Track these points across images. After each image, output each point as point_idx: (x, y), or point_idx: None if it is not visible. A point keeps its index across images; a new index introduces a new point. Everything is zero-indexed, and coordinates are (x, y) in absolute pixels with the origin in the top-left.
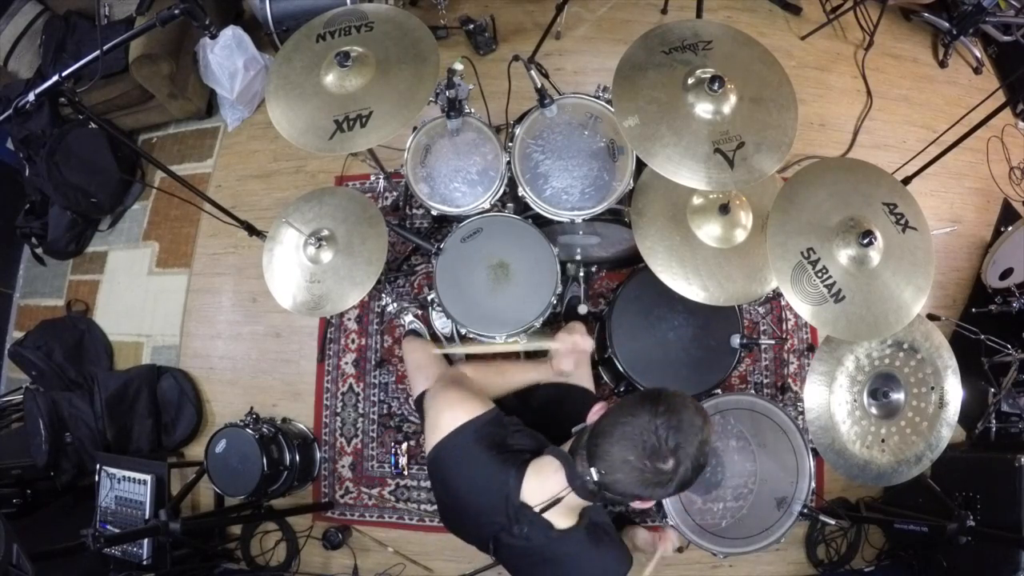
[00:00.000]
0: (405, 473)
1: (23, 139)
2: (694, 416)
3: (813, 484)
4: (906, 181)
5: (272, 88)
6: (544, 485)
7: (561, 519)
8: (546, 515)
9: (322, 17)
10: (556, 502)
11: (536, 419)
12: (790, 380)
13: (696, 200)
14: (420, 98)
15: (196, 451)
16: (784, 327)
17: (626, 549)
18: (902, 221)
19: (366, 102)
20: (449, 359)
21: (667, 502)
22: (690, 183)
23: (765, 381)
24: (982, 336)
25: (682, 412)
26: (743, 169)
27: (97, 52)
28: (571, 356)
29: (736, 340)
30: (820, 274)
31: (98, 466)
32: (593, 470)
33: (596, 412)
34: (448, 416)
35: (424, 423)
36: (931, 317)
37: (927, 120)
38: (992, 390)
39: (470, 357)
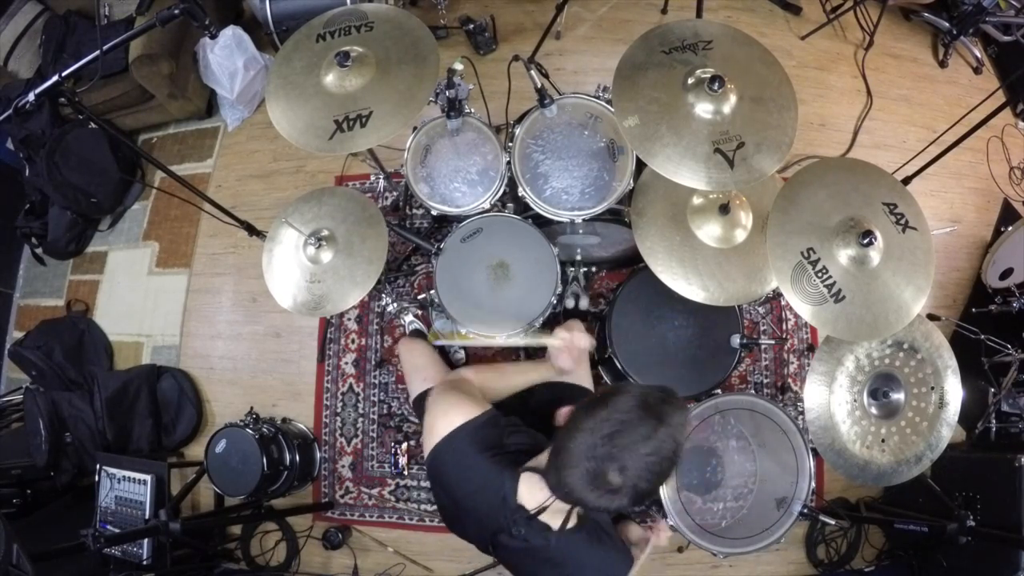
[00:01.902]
0: (405, 473)
1: (23, 139)
2: (639, 425)
3: (813, 484)
4: (906, 181)
5: (272, 88)
6: (535, 494)
7: (559, 521)
8: (543, 517)
9: (322, 17)
10: (548, 507)
11: (535, 420)
12: (790, 380)
13: (696, 200)
14: (420, 98)
15: (196, 451)
16: (784, 327)
17: (626, 549)
18: (902, 221)
19: (366, 102)
20: (449, 360)
21: (667, 501)
22: (690, 183)
23: (765, 381)
24: (982, 336)
25: (626, 426)
26: (743, 169)
27: (97, 52)
28: (569, 353)
29: (736, 340)
30: (820, 274)
31: (98, 466)
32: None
33: (563, 417)
34: (443, 420)
35: (422, 426)
36: (931, 317)
37: (927, 120)
38: (992, 390)
39: (470, 359)
